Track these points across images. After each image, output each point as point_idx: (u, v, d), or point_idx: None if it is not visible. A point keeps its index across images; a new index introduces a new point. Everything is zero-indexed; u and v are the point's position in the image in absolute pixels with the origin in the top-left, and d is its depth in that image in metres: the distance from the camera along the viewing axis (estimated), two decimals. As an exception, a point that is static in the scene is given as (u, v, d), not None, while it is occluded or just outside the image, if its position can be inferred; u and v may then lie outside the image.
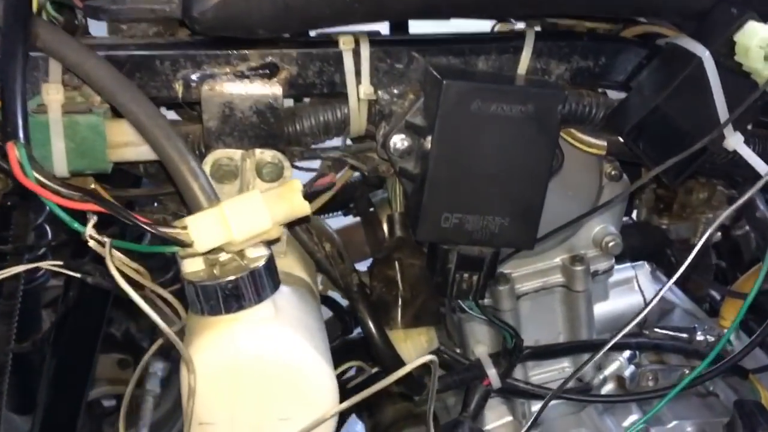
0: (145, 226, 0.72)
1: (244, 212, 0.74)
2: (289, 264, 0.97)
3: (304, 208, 0.77)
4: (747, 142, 0.93)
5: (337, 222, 1.49)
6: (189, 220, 0.73)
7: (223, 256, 0.78)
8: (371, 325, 0.99)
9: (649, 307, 0.94)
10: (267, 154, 0.92)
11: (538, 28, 0.98)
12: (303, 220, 0.84)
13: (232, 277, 0.76)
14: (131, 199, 1.03)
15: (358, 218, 1.39)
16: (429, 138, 0.91)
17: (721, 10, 0.93)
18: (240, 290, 0.77)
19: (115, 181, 0.97)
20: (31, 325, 1.44)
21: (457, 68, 0.95)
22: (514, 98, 0.90)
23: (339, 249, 1.01)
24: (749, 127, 0.96)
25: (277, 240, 0.91)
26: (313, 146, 0.98)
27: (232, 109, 0.91)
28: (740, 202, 0.91)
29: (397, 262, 1.02)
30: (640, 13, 0.98)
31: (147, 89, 0.90)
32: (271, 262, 0.79)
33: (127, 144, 0.87)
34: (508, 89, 0.90)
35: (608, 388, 1.33)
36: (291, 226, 1.01)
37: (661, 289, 0.92)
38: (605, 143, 1.06)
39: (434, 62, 0.95)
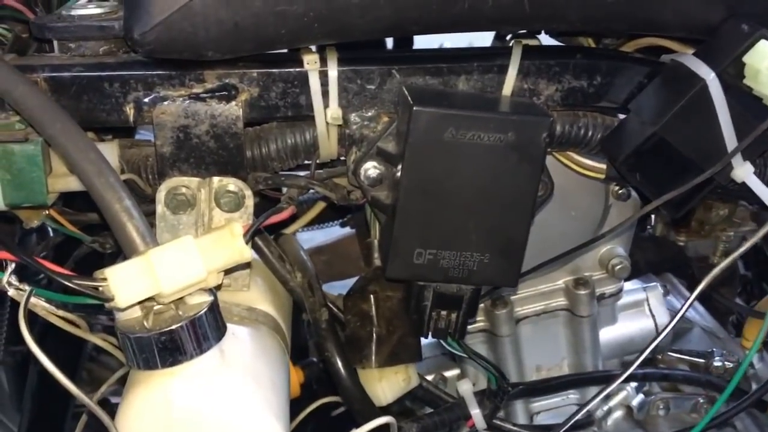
0: (58, 277, 0.65)
1: (174, 261, 0.67)
2: (253, 298, 0.90)
3: (244, 255, 0.70)
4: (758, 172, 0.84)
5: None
6: (108, 272, 0.65)
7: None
8: (340, 366, 0.91)
9: (656, 343, 0.89)
10: (226, 183, 0.85)
11: (527, 43, 0.89)
12: (244, 266, 0.77)
13: (167, 328, 0.69)
14: (95, 223, 0.96)
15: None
16: (400, 167, 0.83)
17: (731, 27, 0.84)
18: (177, 342, 0.70)
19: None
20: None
21: (432, 91, 0.87)
22: (492, 126, 0.81)
23: (310, 280, 0.93)
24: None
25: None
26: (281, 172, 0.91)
27: (188, 134, 0.84)
28: (749, 244, 0.83)
29: (372, 296, 0.94)
30: (637, 28, 0.88)
31: (96, 113, 0.84)
32: (213, 309, 0.72)
33: (68, 173, 0.81)
34: (485, 117, 0.81)
35: (615, 416, 1.26)
36: (261, 250, 0.94)
37: (667, 326, 0.88)
38: (605, 166, 0.98)
39: (409, 83, 0.87)
